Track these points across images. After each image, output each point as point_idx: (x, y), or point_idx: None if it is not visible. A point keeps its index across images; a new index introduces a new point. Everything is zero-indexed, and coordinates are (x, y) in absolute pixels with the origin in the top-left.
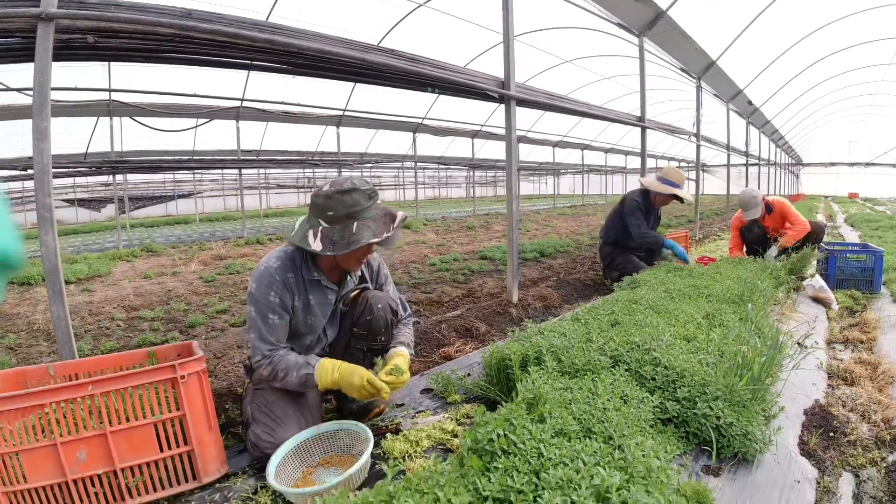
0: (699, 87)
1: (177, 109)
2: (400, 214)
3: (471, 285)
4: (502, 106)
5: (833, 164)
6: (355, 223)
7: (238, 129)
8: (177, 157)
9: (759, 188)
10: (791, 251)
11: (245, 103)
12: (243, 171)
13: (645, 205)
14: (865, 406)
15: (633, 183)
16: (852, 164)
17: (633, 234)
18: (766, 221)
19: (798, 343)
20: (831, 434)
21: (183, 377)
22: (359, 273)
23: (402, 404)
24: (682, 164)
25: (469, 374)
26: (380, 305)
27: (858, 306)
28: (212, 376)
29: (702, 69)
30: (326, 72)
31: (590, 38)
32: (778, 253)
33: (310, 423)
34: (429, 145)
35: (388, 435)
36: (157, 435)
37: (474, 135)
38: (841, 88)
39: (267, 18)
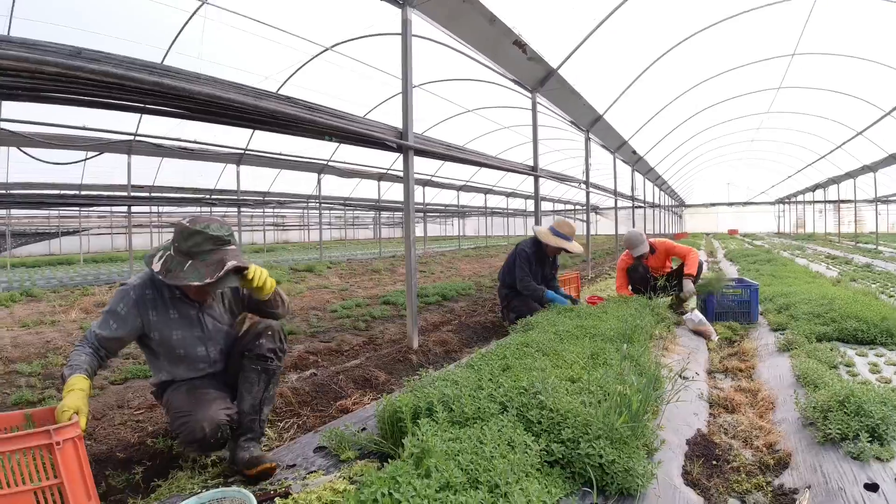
0: (588, 139)
1: (66, 141)
2: (229, 265)
3: (372, 332)
4: None
5: (713, 205)
6: (189, 262)
7: (129, 164)
8: (62, 193)
9: (644, 228)
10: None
11: (139, 138)
12: (134, 208)
13: (538, 253)
14: (747, 432)
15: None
16: (731, 204)
17: (517, 286)
18: (649, 261)
19: (680, 375)
20: (714, 462)
21: (59, 443)
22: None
23: (294, 465)
24: (577, 206)
25: (364, 429)
26: (270, 332)
27: (737, 337)
28: (91, 439)
29: (590, 122)
30: (219, 117)
31: (490, 90)
32: (693, 282)
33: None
34: (335, 186)
35: (277, 500)
36: (37, 501)
37: (380, 177)
38: (719, 137)
39: (164, 57)
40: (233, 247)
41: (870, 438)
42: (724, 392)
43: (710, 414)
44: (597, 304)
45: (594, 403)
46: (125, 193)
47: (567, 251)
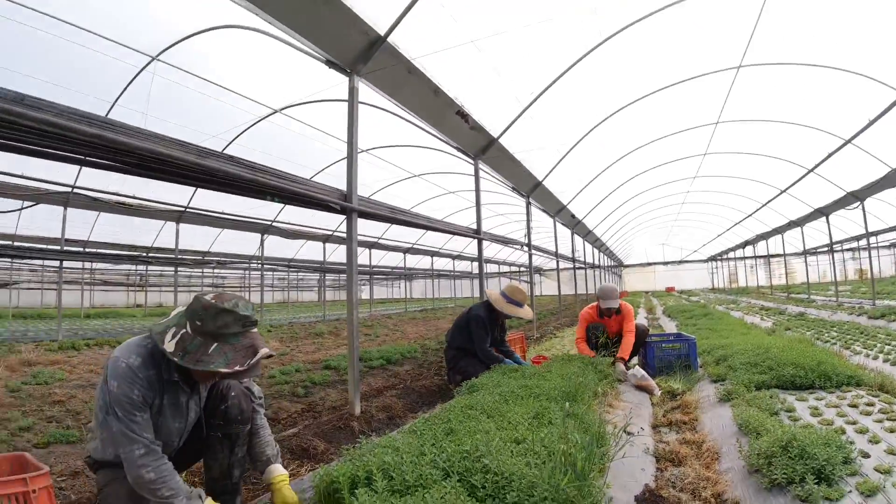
0: (529, 204)
1: (2, 189)
2: (263, 351)
3: (312, 398)
4: None
5: (650, 264)
6: (215, 344)
7: (65, 216)
8: None
9: (587, 288)
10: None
11: (77, 190)
12: (67, 263)
13: (490, 316)
14: (695, 484)
15: (479, 287)
16: (667, 263)
17: (476, 352)
18: (610, 322)
19: (625, 431)
20: None
21: (34, 491)
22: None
23: None
24: (521, 268)
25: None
26: (233, 393)
27: (679, 390)
28: None
29: (530, 188)
30: (161, 174)
31: (435, 157)
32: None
33: None
34: (279, 247)
35: None
36: None
37: (326, 239)
38: (653, 200)
39: (109, 110)
40: (256, 330)
41: (816, 480)
42: (670, 445)
43: (657, 468)
44: (541, 364)
45: (539, 464)
46: (58, 248)
47: (520, 318)
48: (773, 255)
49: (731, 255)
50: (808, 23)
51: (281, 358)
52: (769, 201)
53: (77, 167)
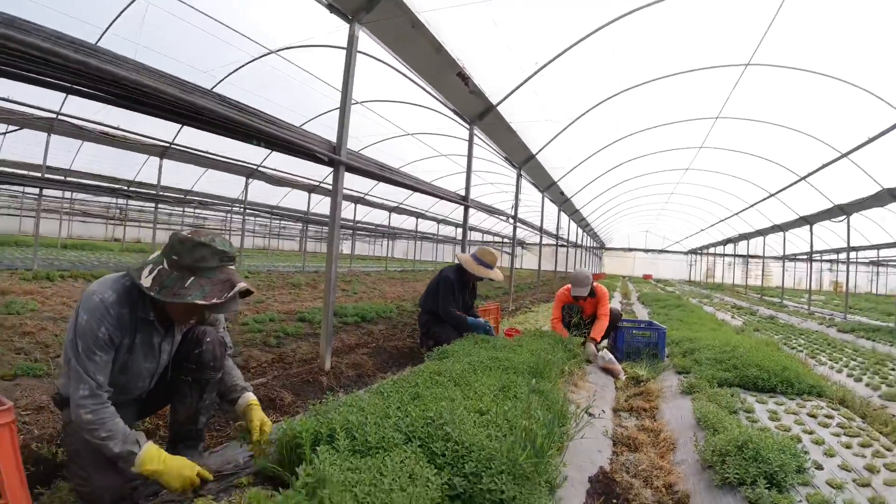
0: (519, 176)
1: None
2: (240, 286)
3: (283, 349)
4: None
5: (631, 250)
6: (191, 278)
7: (48, 143)
8: None
9: (566, 266)
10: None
11: (61, 117)
12: (47, 191)
13: (460, 280)
14: (648, 472)
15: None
16: (647, 251)
17: (440, 312)
18: (585, 304)
19: (587, 412)
20: (615, 500)
21: None
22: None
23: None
24: (505, 239)
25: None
26: (208, 339)
27: (644, 377)
28: None
29: (523, 160)
30: (146, 107)
31: (430, 117)
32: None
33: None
34: (263, 193)
35: None
36: None
37: (312, 189)
38: (643, 187)
39: (100, 38)
40: (233, 267)
41: (768, 485)
42: (628, 431)
43: (614, 452)
44: (513, 337)
45: (499, 437)
46: (39, 174)
47: (490, 279)
48: (752, 256)
49: (712, 250)
50: (822, 31)
51: (256, 305)
52: (757, 203)
53: (63, 94)
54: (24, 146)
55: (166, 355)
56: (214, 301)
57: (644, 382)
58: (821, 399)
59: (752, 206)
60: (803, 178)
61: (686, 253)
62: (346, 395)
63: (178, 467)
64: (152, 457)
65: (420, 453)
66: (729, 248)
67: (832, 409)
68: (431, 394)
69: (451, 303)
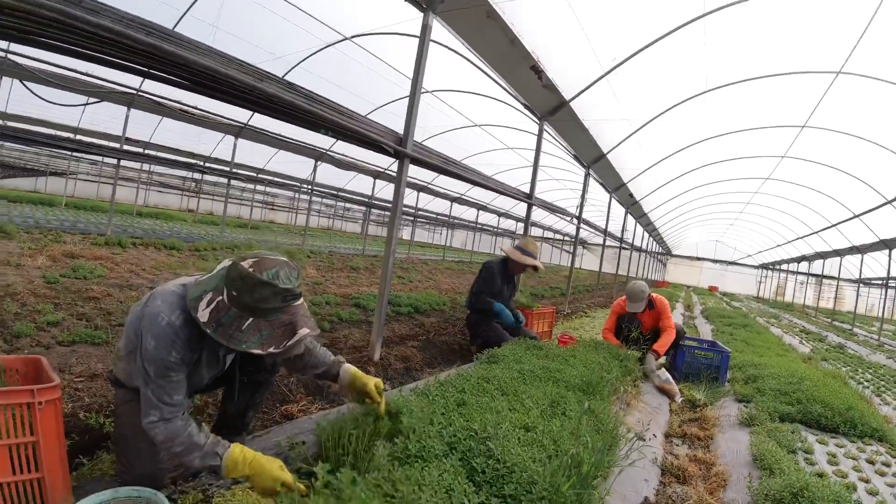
0: (587, 175)
1: (69, 83)
2: (302, 332)
3: (336, 335)
4: None
5: (699, 259)
6: (250, 319)
7: (128, 116)
8: (58, 134)
9: (628, 271)
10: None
11: (141, 93)
12: (125, 162)
13: (504, 273)
14: None
15: None
16: (716, 261)
17: (471, 298)
18: (643, 316)
19: (639, 437)
20: None
21: (40, 403)
22: None
23: None
24: (566, 237)
25: (304, 442)
26: None
27: (701, 401)
28: None
29: (592, 159)
30: (216, 92)
31: (498, 108)
32: (655, 360)
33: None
34: (330, 175)
35: None
36: (10, 457)
37: (377, 175)
38: (717, 194)
39: (178, 21)
40: (300, 301)
41: None
42: (679, 460)
43: (661, 482)
44: (567, 346)
45: (544, 460)
46: (118, 145)
47: (534, 268)
48: (827, 277)
49: (785, 267)
50: None
51: (315, 287)
52: (840, 223)
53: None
54: (106, 118)
55: (228, 360)
56: (271, 350)
57: (701, 408)
58: (881, 444)
59: (833, 225)
60: (890, 201)
61: (757, 267)
62: (393, 387)
63: (269, 469)
64: (237, 462)
65: (460, 468)
66: (803, 266)
67: (891, 455)
68: (477, 402)
69: (483, 291)
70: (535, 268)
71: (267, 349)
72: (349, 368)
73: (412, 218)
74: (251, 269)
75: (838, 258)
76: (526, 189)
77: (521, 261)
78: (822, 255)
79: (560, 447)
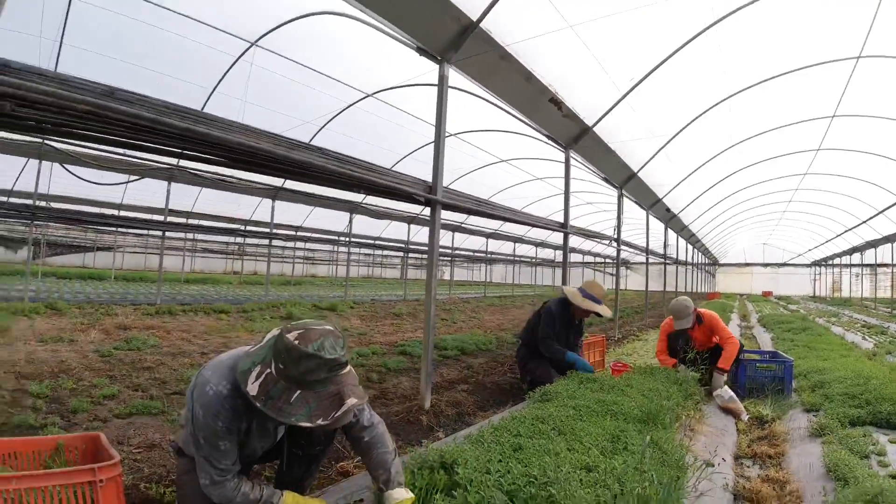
0: (621, 196)
1: (109, 163)
2: (350, 402)
3: (385, 385)
4: None
5: (748, 265)
6: (298, 392)
7: (169, 190)
8: (102, 212)
9: (676, 286)
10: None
11: (180, 168)
12: (169, 232)
13: (564, 315)
14: None
15: (560, 276)
16: (766, 265)
17: (540, 347)
18: (694, 332)
19: (707, 463)
20: None
21: (101, 481)
22: None
23: None
24: (607, 259)
25: (361, 500)
26: None
27: (768, 416)
28: None
29: (624, 180)
30: (252, 165)
31: (523, 142)
32: (722, 377)
33: None
34: (366, 225)
35: None
36: None
37: (411, 220)
38: (757, 196)
39: (208, 98)
40: (347, 369)
41: None
42: (751, 483)
43: None
44: (621, 375)
45: (609, 500)
46: (162, 217)
47: (598, 315)
48: (881, 265)
49: (837, 261)
50: None
51: (360, 338)
52: (887, 209)
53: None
54: (148, 192)
55: (280, 433)
56: (320, 423)
57: (769, 423)
58: None
59: (880, 212)
60: None
61: (809, 265)
62: (446, 435)
63: None
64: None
65: None
66: (856, 258)
67: None
68: (534, 445)
69: (550, 336)
70: (599, 314)
71: (315, 421)
72: (398, 496)
73: (449, 258)
74: (296, 342)
75: (889, 245)
76: (559, 218)
77: (581, 305)
78: (873, 244)
79: (625, 486)
